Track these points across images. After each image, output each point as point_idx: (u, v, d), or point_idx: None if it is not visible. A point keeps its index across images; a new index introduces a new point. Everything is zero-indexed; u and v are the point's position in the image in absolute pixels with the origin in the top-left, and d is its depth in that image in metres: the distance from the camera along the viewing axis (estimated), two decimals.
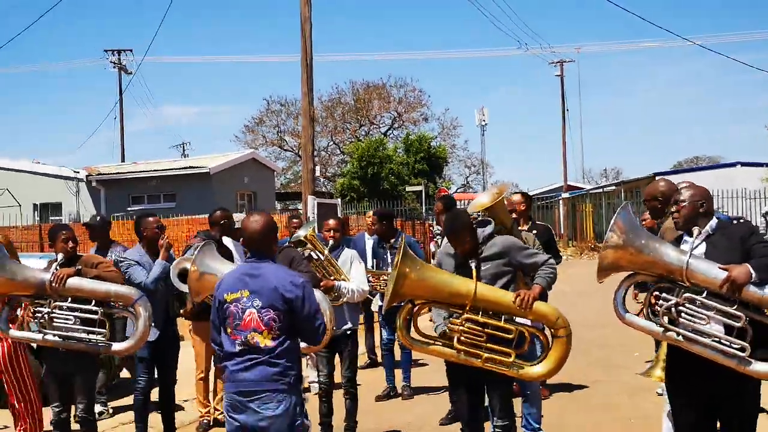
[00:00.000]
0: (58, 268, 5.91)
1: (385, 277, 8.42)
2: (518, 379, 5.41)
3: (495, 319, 4.98)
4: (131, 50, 42.56)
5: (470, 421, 5.32)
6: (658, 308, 4.39)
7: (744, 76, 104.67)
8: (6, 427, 8.18)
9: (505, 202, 6.25)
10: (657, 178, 29.27)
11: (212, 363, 7.55)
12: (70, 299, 5.88)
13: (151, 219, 7.07)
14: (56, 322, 5.87)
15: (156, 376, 7.02)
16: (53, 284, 5.79)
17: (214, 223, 7.58)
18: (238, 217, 9.20)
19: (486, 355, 4.95)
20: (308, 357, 8.17)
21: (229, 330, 4.49)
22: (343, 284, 6.64)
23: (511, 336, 4.97)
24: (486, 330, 4.95)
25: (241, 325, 4.44)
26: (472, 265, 5.03)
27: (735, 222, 4.80)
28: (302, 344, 4.93)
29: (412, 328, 5.18)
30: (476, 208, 5.85)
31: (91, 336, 5.87)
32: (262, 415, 4.39)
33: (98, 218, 8.50)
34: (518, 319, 5.07)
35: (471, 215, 5.54)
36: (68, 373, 6.07)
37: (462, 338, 4.95)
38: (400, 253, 4.86)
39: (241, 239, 6.28)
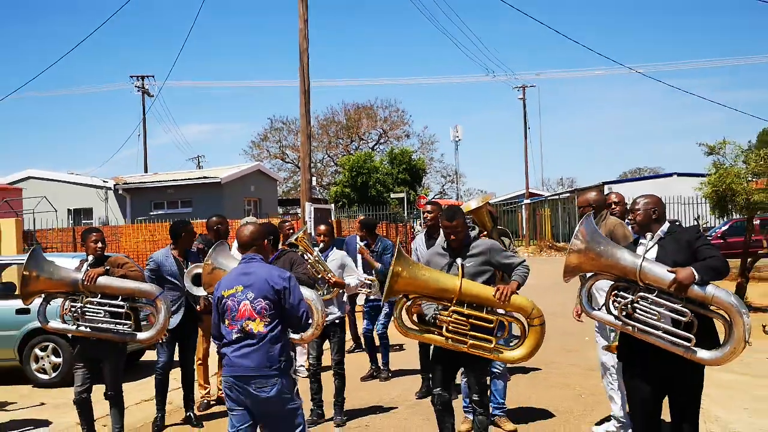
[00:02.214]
0: (89, 268, 5.90)
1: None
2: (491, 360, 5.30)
3: (478, 311, 4.93)
4: (153, 76, 42.51)
5: (440, 390, 5.10)
6: (617, 304, 4.35)
7: (679, 99, 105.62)
8: (43, 403, 8.07)
9: (488, 208, 6.27)
10: (605, 186, 29.37)
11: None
12: (99, 295, 5.86)
13: (191, 224, 7.09)
14: (88, 315, 5.84)
15: (177, 358, 6.94)
16: (85, 283, 5.78)
17: (209, 228, 7.53)
18: (251, 220, 9.14)
19: (471, 341, 4.90)
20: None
21: (226, 321, 4.49)
22: (348, 279, 6.85)
23: (492, 325, 4.92)
24: (470, 320, 4.90)
25: (237, 315, 4.44)
26: (459, 263, 4.98)
27: (684, 226, 4.77)
28: (295, 336, 4.89)
29: (407, 318, 5.12)
30: (465, 209, 5.91)
31: (118, 327, 5.85)
32: (257, 396, 4.37)
33: None
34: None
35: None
36: (98, 358, 5.98)
37: (450, 327, 4.90)
38: (395, 255, 4.83)
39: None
